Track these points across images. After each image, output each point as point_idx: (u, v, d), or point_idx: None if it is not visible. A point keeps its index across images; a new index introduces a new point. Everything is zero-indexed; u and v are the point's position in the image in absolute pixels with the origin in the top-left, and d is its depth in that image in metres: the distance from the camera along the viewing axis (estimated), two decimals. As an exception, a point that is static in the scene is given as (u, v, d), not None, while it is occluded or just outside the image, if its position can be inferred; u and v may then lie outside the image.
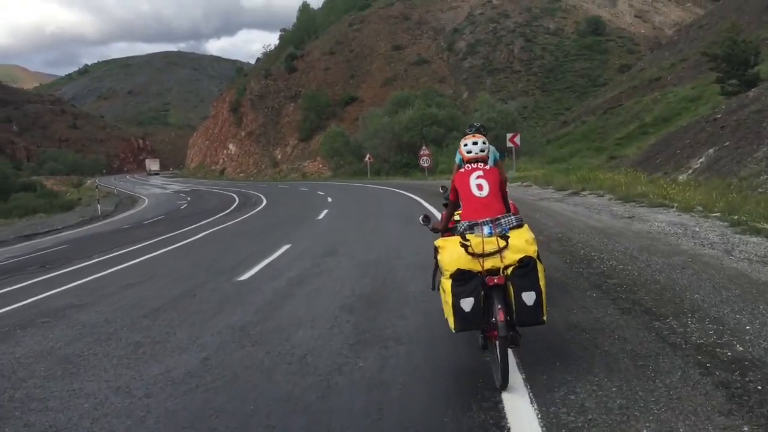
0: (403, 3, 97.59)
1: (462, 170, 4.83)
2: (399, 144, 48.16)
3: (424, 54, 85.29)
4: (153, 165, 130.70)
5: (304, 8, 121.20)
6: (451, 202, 5.02)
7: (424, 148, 41.44)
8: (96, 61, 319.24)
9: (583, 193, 17.68)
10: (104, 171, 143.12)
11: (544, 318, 4.20)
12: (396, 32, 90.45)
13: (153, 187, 73.97)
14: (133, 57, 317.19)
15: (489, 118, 40.22)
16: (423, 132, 46.05)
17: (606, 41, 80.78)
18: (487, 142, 4.94)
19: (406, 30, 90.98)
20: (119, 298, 8.83)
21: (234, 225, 20.05)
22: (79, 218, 33.15)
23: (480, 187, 4.65)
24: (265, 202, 32.08)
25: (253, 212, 25.10)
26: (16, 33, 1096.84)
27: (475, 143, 4.88)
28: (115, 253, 14.99)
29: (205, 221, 22.75)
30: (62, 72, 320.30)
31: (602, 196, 16.30)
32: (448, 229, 5.14)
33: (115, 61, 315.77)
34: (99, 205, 37.33)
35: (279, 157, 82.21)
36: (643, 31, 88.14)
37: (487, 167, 4.80)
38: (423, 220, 5.26)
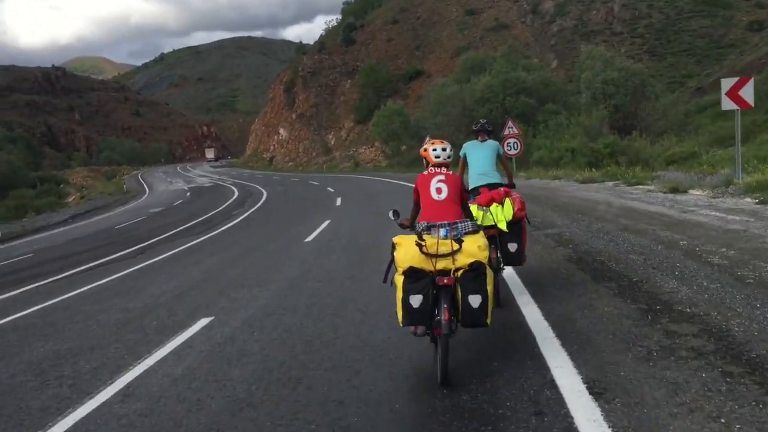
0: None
1: (425, 173, 4.87)
2: (471, 122, 35.00)
3: (503, 18, 73.09)
4: (209, 153, 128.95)
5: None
6: (414, 202, 4.98)
7: (510, 125, 24.53)
8: (171, 50, 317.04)
9: None
10: (162, 160, 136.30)
11: (488, 321, 4.31)
12: (470, -6, 77.60)
13: (180, 181, 63.28)
14: (204, 44, 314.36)
15: (606, 79, 26.77)
16: (506, 104, 32.73)
17: (729, -6, 66.45)
18: (452, 149, 4.92)
19: (482, -9, 77.99)
20: None
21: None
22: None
23: (439, 191, 4.72)
24: (245, 214, 22.14)
25: (178, 250, 13.72)
26: (102, 25, 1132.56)
27: (444, 149, 4.90)
28: None
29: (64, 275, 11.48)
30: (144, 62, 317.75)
31: None
32: (413, 227, 4.99)
33: (188, 48, 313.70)
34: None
35: (332, 142, 70.46)
36: (773, -18, 73.19)
37: (450, 172, 4.85)
38: (393, 215, 5.12)
